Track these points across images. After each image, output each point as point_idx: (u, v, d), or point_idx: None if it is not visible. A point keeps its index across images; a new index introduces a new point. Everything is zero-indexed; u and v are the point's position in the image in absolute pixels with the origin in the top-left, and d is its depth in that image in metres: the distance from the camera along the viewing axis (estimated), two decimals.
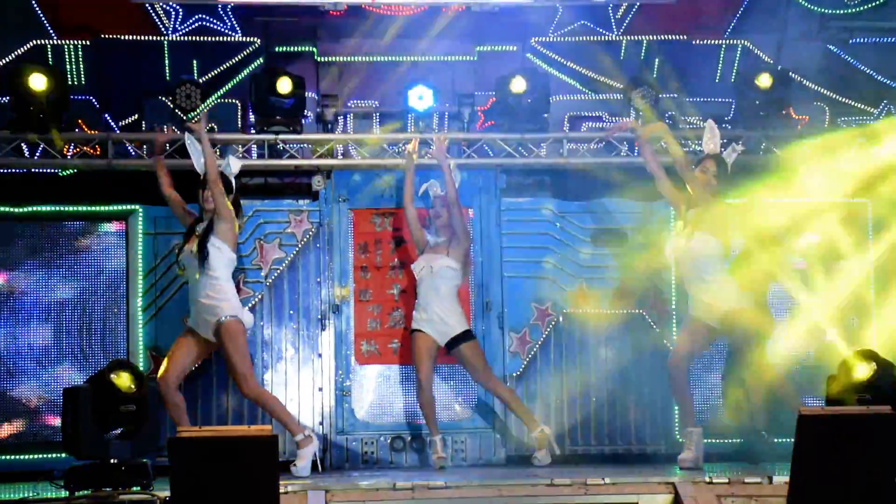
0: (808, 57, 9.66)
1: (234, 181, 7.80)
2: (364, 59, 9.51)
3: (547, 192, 9.21)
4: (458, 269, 8.27)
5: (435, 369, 8.45)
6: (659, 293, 8.89)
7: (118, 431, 6.70)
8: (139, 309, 8.62)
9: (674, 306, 8.79)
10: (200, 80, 9.03)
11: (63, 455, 7.00)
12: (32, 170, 8.90)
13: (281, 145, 8.96)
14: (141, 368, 8.42)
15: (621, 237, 8.96)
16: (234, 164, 7.84)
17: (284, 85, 8.69)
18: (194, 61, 9.39)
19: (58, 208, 8.74)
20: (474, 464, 8.48)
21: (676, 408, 8.77)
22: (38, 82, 8.52)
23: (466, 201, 8.75)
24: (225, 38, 9.53)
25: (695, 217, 7.74)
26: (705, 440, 7.89)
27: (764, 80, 8.94)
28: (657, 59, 9.66)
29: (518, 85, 8.92)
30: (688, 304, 7.94)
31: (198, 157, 7.67)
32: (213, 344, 7.57)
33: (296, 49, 9.50)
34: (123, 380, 6.74)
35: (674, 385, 7.85)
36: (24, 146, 8.76)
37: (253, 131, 9.02)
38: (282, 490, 6.13)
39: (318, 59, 9.50)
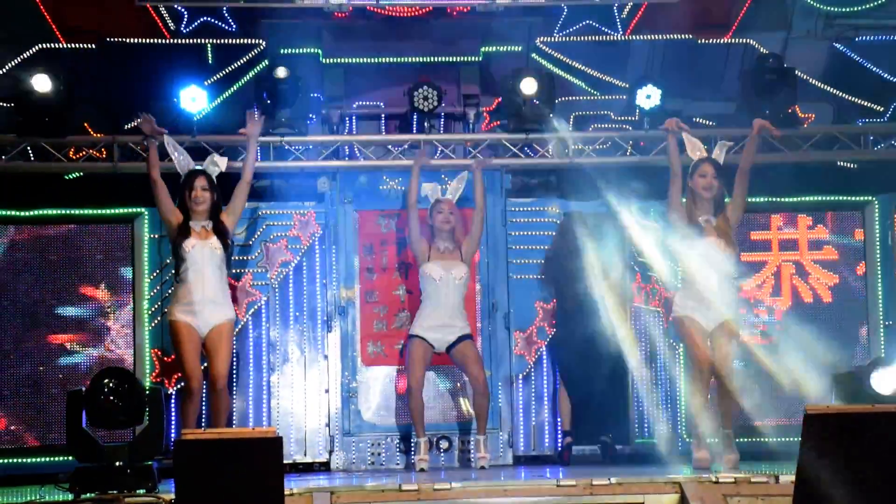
0: (814, 55, 9.64)
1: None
2: (369, 60, 9.51)
3: (552, 193, 9.20)
4: (469, 276, 8.28)
5: (439, 371, 8.44)
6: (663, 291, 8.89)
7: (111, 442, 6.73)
8: (144, 311, 8.63)
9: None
10: (206, 83, 9.03)
11: (69, 458, 7.01)
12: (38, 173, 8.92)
13: (286, 147, 8.96)
14: (146, 370, 8.50)
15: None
16: (219, 162, 7.84)
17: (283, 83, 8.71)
18: (199, 64, 9.39)
19: (63, 211, 8.76)
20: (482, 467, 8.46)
21: (684, 407, 8.80)
22: (43, 86, 8.53)
23: (470, 202, 8.72)
24: (230, 41, 9.53)
25: (717, 223, 7.65)
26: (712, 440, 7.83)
27: (769, 77, 8.90)
28: (662, 59, 9.64)
29: (528, 86, 8.87)
30: (678, 307, 7.73)
31: (179, 158, 7.73)
32: (200, 339, 7.61)
33: (301, 51, 9.49)
34: (109, 390, 6.73)
35: (701, 398, 7.62)
36: (29, 150, 8.78)
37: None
38: (287, 492, 6.12)
39: (324, 60, 9.50)
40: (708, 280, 7.59)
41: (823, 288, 9.14)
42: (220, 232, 7.71)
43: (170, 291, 8.19)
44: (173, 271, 7.80)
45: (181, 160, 7.82)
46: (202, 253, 7.62)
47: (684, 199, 7.79)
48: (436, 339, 8.18)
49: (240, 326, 8.51)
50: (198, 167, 7.84)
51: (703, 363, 7.55)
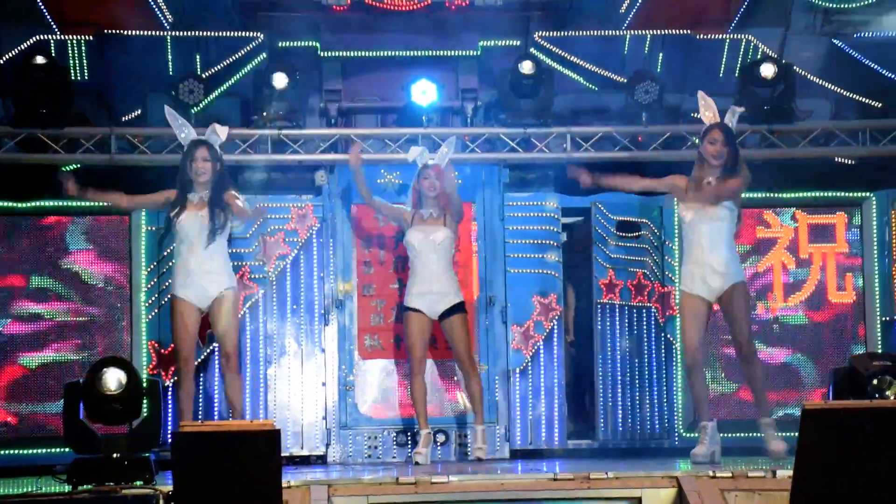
0: (813, 51, 9.64)
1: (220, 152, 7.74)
2: (367, 53, 9.50)
3: (550, 187, 9.20)
4: (454, 239, 8.19)
5: (437, 365, 8.43)
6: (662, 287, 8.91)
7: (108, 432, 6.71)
8: (142, 303, 8.62)
9: (677, 301, 8.76)
10: (203, 76, 9.02)
11: (66, 450, 7.00)
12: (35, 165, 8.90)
13: (284, 140, 8.95)
14: (143, 362, 8.50)
15: (634, 229, 8.96)
16: (220, 131, 7.74)
17: (281, 80, 8.68)
18: (197, 56, 9.38)
19: (60, 203, 8.74)
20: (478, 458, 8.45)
21: (681, 402, 8.81)
22: (40, 78, 8.51)
23: (469, 196, 8.74)
24: (228, 34, 9.51)
25: (716, 185, 7.46)
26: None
27: (767, 70, 8.89)
28: (661, 54, 9.63)
29: (527, 67, 8.84)
30: (684, 282, 7.59)
31: (182, 129, 7.69)
32: (203, 317, 7.57)
33: (299, 44, 9.48)
34: (108, 381, 6.70)
35: (694, 380, 7.53)
36: (26, 141, 8.75)
37: (256, 126, 9.01)
38: (284, 484, 6.12)
39: (322, 54, 9.48)
40: (703, 242, 7.44)
41: (821, 284, 9.15)
42: (214, 202, 7.56)
43: (167, 284, 8.18)
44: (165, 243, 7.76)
45: (184, 130, 7.76)
46: (192, 224, 7.53)
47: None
48: (426, 307, 8.05)
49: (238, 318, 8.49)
50: (200, 137, 7.77)
51: (689, 349, 7.49)
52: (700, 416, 7.55)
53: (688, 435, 8.71)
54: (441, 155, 8.28)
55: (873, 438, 5.65)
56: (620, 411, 8.86)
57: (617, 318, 8.94)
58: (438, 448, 8.59)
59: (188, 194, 7.61)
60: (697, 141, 7.67)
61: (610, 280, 8.93)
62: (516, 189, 9.08)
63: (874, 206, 9.12)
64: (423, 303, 8.07)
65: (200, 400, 8.48)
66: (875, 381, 7.05)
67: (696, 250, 7.50)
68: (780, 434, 7.47)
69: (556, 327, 8.86)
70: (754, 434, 7.73)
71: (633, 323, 8.96)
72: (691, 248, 7.54)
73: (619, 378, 8.88)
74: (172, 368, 8.41)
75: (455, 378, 8.67)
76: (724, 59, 9.65)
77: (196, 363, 7.97)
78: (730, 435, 8.32)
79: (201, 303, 7.57)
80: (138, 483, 6.49)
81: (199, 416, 8.30)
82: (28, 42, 9.15)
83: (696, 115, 9.20)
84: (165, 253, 8.54)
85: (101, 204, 8.74)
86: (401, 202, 8.53)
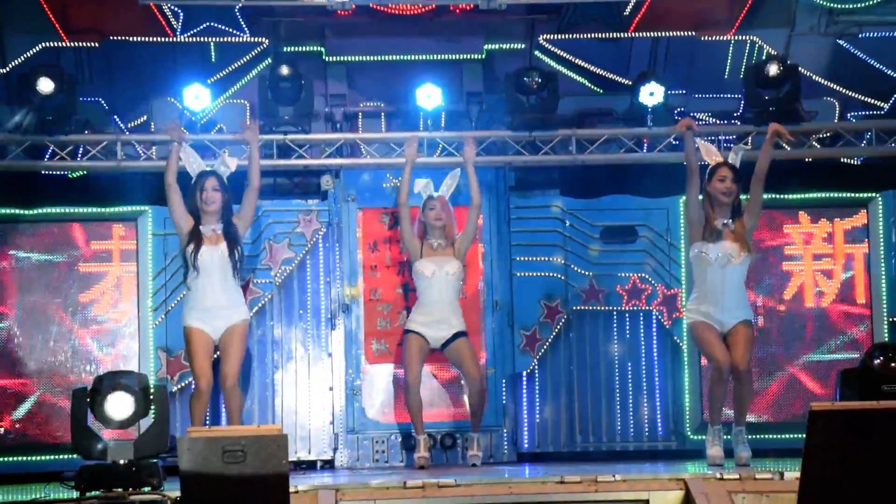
0: (818, 52, 9.62)
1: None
2: (372, 58, 9.50)
3: (556, 190, 9.20)
4: (464, 271, 8.25)
5: (444, 369, 8.44)
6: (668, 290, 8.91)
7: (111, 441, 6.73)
8: (149, 309, 8.64)
9: (684, 304, 8.77)
10: (209, 81, 9.04)
11: (74, 456, 7.01)
12: (42, 171, 8.94)
13: (290, 145, 8.97)
14: (151, 368, 8.51)
15: (631, 234, 8.96)
16: (229, 162, 7.77)
17: (286, 81, 8.72)
18: (202, 62, 9.39)
19: (67, 210, 8.77)
20: (485, 462, 8.46)
21: (689, 404, 8.80)
22: (47, 85, 8.54)
23: (466, 197, 8.72)
24: (233, 39, 9.53)
25: (735, 227, 7.57)
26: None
27: (772, 71, 8.89)
28: (665, 56, 9.63)
29: (531, 81, 8.85)
30: (694, 316, 7.60)
31: (191, 160, 7.67)
32: (213, 344, 7.60)
33: (304, 49, 9.49)
34: (116, 405, 6.70)
35: (718, 389, 7.52)
36: (33, 148, 8.79)
37: (262, 131, 9.02)
38: (292, 489, 6.13)
39: (327, 58, 9.49)
40: (723, 284, 7.52)
41: (826, 285, 9.14)
42: (231, 236, 7.63)
43: (175, 289, 8.20)
44: (183, 276, 7.71)
45: (192, 162, 7.77)
46: (212, 259, 7.54)
47: (701, 197, 7.68)
48: (430, 336, 8.12)
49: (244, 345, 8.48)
50: (208, 168, 7.79)
51: (723, 363, 7.48)
52: (712, 420, 7.55)
53: (695, 437, 8.71)
54: (446, 186, 8.30)
55: (881, 439, 5.64)
56: (629, 414, 8.86)
57: (601, 324, 8.91)
58: (446, 452, 8.60)
59: (200, 227, 7.61)
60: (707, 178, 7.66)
61: (591, 286, 8.91)
62: (522, 192, 9.08)
63: (880, 206, 9.10)
64: (428, 331, 8.11)
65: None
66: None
67: (714, 293, 7.53)
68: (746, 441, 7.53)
69: (562, 330, 8.86)
70: (758, 436, 7.73)
71: (626, 328, 8.91)
72: (708, 289, 7.56)
73: (616, 382, 8.85)
74: (178, 373, 8.45)
75: (462, 382, 8.67)
76: (728, 61, 9.64)
77: None
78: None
79: (216, 334, 7.60)
80: (146, 489, 6.50)
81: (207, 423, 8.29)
82: (34, 49, 9.16)
83: (700, 117, 9.24)
84: (173, 258, 8.56)
85: (108, 210, 8.78)
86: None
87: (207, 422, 7.99)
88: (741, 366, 7.50)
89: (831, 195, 9.20)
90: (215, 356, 7.67)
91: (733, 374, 7.54)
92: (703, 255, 7.55)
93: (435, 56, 9.44)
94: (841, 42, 9.74)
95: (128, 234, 8.76)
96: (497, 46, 9.61)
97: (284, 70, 8.76)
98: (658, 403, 8.86)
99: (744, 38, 9.66)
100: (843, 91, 9.54)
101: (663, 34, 9.65)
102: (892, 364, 7.72)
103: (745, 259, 7.57)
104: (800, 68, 9.12)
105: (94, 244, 8.80)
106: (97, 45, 9.35)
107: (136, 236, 8.75)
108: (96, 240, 8.81)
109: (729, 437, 7.52)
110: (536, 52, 9.59)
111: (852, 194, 9.19)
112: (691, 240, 7.70)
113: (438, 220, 8.17)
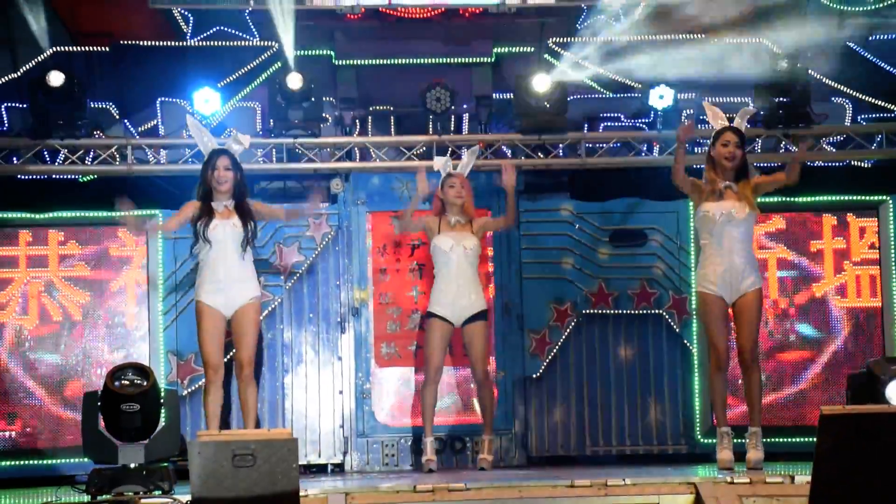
0: (828, 54, 9.61)
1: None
2: (381, 61, 9.52)
3: (565, 193, 9.20)
4: (480, 249, 8.17)
5: (452, 370, 8.44)
6: (679, 293, 8.90)
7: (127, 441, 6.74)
8: (160, 312, 8.66)
9: (693, 307, 8.76)
10: (218, 85, 9.06)
11: (85, 459, 7.03)
12: (53, 176, 8.97)
13: (299, 149, 8.98)
14: (162, 371, 8.52)
15: (640, 237, 8.95)
16: (242, 139, 7.67)
17: (295, 82, 8.72)
18: (212, 66, 9.41)
19: (78, 213, 8.79)
20: (495, 466, 8.46)
21: (699, 408, 8.79)
22: (57, 78, 8.56)
23: (484, 202, 8.74)
24: (243, 43, 9.55)
25: (739, 188, 7.36)
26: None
27: (781, 74, 8.87)
28: (674, 58, 9.61)
29: (540, 83, 8.85)
30: (702, 284, 7.37)
31: (203, 138, 7.64)
32: (225, 324, 7.52)
33: (314, 53, 9.51)
34: (124, 384, 6.72)
35: (718, 384, 7.37)
36: (44, 152, 8.82)
37: (271, 135, 9.06)
38: (302, 493, 6.13)
39: (336, 62, 9.51)
40: (729, 240, 7.30)
41: (838, 287, 9.13)
42: (243, 210, 7.53)
43: (185, 293, 8.19)
44: (194, 251, 7.56)
45: (205, 140, 7.75)
46: (224, 232, 7.43)
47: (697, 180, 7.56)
48: (451, 314, 8.01)
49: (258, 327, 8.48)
50: (221, 146, 7.78)
51: (721, 352, 7.34)
52: (719, 422, 7.47)
53: (705, 441, 8.71)
54: (464, 163, 8.29)
55: (892, 443, 5.63)
56: (638, 418, 8.85)
57: (611, 328, 8.90)
58: (455, 456, 8.60)
59: (212, 203, 7.57)
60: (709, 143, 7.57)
61: (601, 290, 8.90)
62: (531, 195, 9.09)
63: (891, 209, 9.08)
64: (449, 310, 8.02)
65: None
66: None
67: (720, 252, 7.32)
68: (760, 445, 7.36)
69: (572, 333, 8.86)
70: (768, 439, 7.70)
71: (636, 331, 8.91)
72: (713, 249, 7.35)
73: (626, 386, 8.85)
74: (190, 376, 8.46)
75: (472, 385, 8.67)
76: (738, 63, 9.62)
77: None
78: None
79: (227, 311, 7.46)
80: (157, 493, 6.52)
81: (230, 425, 8.26)
82: (45, 54, 9.18)
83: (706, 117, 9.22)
84: (182, 262, 8.57)
85: (119, 213, 8.79)
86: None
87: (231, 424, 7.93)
88: (746, 349, 7.29)
89: (842, 198, 9.17)
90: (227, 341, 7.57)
91: (739, 359, 7.39)
92: (706, 214, 7.31)
93: (444, 59, 9.46)
94: (851, 44, 9.72)
95: (138, 238, 8.77)
96: (506, 49, 9.62)
97: (294, 82, 8.74)
98: (668, 407, 8.85)
99: (754, 40, 9.65)
100: (854, 94, 9.52)
101: (672, 37, 9.64)
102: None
103: (749, 215, 7.32)
104: (810, 71, 9.10)
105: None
106: (107, 48, 9.38)
107: (146, 240, 8.75)
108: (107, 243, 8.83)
109: (740, 440, 7.41)
110: (546, 55, 9.59)
111: (863, 197, 9.17)
112: (695, 207, 7.53)
113: (459, 197, 8.11)
